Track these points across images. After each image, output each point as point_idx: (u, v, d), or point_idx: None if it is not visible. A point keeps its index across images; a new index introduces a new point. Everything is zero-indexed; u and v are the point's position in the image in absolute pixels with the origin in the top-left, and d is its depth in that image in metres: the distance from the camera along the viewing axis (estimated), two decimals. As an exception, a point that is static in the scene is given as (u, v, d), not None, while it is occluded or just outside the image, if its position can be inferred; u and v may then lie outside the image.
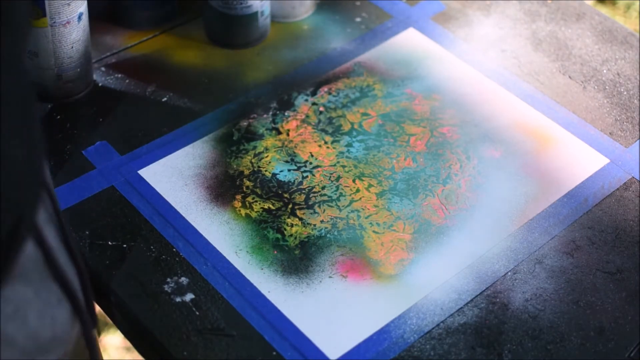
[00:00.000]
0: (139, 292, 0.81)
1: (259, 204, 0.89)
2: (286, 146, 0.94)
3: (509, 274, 0.84)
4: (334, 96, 1.00)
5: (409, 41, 1.08)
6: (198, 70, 1.03)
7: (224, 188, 0.90)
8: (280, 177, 0.91)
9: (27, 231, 0.53)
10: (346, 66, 1.04)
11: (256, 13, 1.03)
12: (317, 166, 0.93)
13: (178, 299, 0.81)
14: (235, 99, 0.99)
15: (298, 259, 0.84)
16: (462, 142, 0.96)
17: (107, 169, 0.91)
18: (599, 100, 1.01)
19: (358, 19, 1.10)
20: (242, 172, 0.91)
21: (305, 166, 0.93)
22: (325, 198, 0.90)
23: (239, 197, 0.89)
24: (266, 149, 0.94)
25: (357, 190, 0.91)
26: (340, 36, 1.08)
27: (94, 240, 0.85)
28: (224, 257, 0.84)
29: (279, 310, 0.80)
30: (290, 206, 0.89)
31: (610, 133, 0.98)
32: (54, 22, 0.91)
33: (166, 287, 0.81)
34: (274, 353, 0.77)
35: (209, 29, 1.06)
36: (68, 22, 0.92)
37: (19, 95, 0.52)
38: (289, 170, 0.92)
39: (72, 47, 0.94)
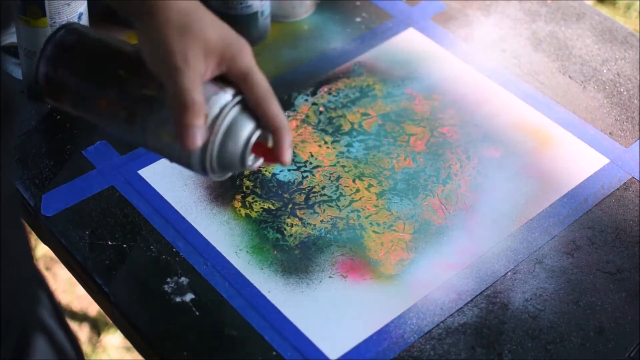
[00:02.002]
0: (138, 292, 0.81)
1: (259, 204, 0.89)
2: (286, 146, 0.94)
3: (509, 274, 0.84)
4: (334, 96, 1.00)
5: (409, 41, 1.08)
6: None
7: (224, 188, 0.90)
8: (280, 177, 0.91)
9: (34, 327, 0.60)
10: (346, 66, 1.04)
11: (256, 13, 1.03)
12: (317, 166, 0.93)
13: (178, 299, 0.81)
14: (235, 99, 0.99)
15: (298, 259, 0.84)
16: (462, 142, 0.96)
17: (107, 169, 0.91)
18: (599, 100, 1.01)
19: (358, 19, 1.10)
20: (242, 172, 0.91)
21: (305, 166, 0.93)
22: (325, 198, 0.90)
23: (239, 197, 0.89)
24: (266, 149, 0.94)
25: (357, 190, 0.91)
26: (340, 36, 1.08)
27: (94, 240, 0.85)
28: (224, 257, 0.84)
29: (279, 310, 0.80)
30: (290, 206, 0.89)
31: (610, 133, 0.98)
32: (54, 22, 0.91)
33: (166, 287, 0.81)
34: (274, 353, 0.77)
35: (209, 29, 1.06)
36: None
37: None
38: (289, 170, 0.92)
39: (72, 47, 0.94)
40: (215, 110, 0.65)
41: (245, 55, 0.66)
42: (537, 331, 0.80)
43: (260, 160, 0.68)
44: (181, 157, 0.67)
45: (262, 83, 0.66)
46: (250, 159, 0.67)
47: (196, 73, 0.64)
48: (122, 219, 0.87)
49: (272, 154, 0.67)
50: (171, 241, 0.85)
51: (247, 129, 0.66)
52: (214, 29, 0.65)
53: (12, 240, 0.56)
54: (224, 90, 0.66)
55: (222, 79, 0.67)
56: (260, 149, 0.68)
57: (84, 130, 0.95)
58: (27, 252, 0.61)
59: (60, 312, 0.65)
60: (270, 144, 0.68)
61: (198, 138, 0.64)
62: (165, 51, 0.64)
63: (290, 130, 0.67)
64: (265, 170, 0.92)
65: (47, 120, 0.95)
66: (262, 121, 0.67)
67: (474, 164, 0.94)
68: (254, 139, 0.67)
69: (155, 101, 0.66)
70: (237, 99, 0.67)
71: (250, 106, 0.66)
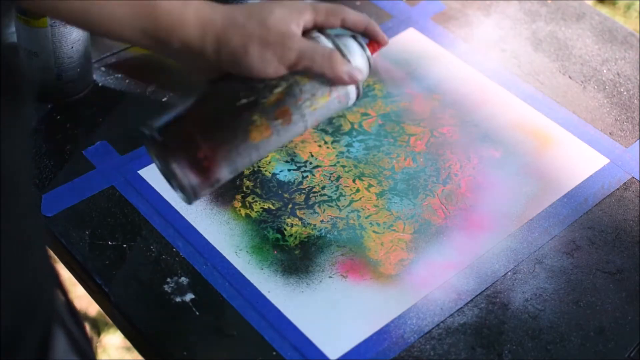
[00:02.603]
0: (138, 292, 0.81)
1: (259, 204, 0.89)
2: (286, 146, 0.94)
3: (509, 274, 0.84)
4: (334, 96, 1.00)
5: (409, 41, 1.08)
6: (198, 70, 1.03)
7: (224, 188, 0.90)
8: (280, 177, 0.91)
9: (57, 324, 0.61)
10: (346, 66, 1.04)
11: (256, 13, 1.03)
12: (317, 166, 0.93)
13: (178, 299, 0.81)
14: (235, 99, 0.99)
15: (298, 259, 0.84)
16: (462, 142, 0.96)
17: (107, 169, 0.91)
18: (599, 100, 1.01)
19: (358, 19, 1.10)
20: (242, 172, 0.91)
21: (305, 166, 0.93)
22: (325, 198, 0.90)
23: (239, 197, 0.89)
24: (266, 149, 0.94)
25: (357, 190, 0.91)
26: (340, 36, 1.08)
27: (94, 240, 0.85)
28: (224, 257, 0.84)
29: (279, 310, 0.80)
30: (290, 206, 0.89)
31: (610, 133, 0.98)
32: (54, 22, 0.91)
33: (166, 287, 0.81)
34: (274, 353, 0.77)
35: (209, 29, 1.06)
36: (68, 22, 0.92)
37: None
38: (289, 170, 0.92)
39: (72, 47, 0.94)
40: (341, 46, 0.74)
41: (311, 11, 0.73)
42: (537, 331, 0.80)
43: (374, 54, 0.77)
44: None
45: (332, 8, 0.74)
46: (372, 57, 0.76)
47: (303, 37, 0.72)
48: (122, 219, 0.87)
49: (375, 43, 0.77)
50: (171, 241, 0.85)
51: (356, 44, 0.75)
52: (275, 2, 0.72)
53: (34, 233, 0.56)
54: (315, 35, 0.73)
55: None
56: (370, 45, 0.77)
57: (84, 130, 0.95)
58: (44, 245, 0.62)
59: (71, 303, 0.66)
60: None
61: (356, 73, 0.73)
62: (285, 36, 0.70)
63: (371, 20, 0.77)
64: (265, 171, 0.92)
65: (47, 120, 0.95)
66: (354, 29, 0.75)
67: (474, 164, 0.94)
68: (365, 45, 0.76)
69: (287, 87, 0.71)
70: (326, 33, 0.74)
71: (345, 26, 0.75)
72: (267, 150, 0.72)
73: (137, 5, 0.67)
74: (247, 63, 0.69)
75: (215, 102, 0.71)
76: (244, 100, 0.70)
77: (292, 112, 0.72)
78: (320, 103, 0.73)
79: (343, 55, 0.73)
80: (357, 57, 0.75)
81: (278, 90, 0.71)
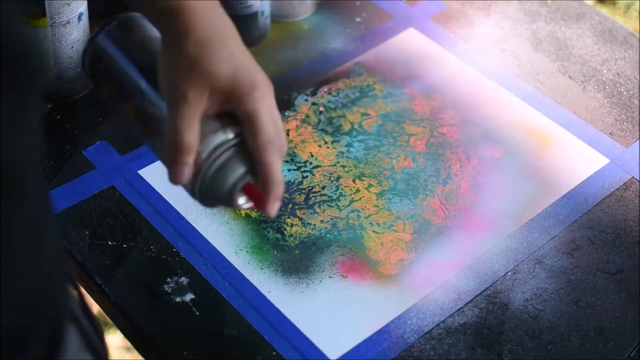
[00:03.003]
0: (138, 292, 0.81)
1: (259, 204, 0.89)
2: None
3: (509, 274, 0.84)
4: (334, 96, 1.00)
5: (409, 41, 1.08)
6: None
7: (224, 188, 0.90)
8: (280, 177, 0.91)
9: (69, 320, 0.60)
10: (346, 66, 1.04)
11: (256, 13, 1.03)
12: (317, 166, 0.93)
13: (178, 299, 0.81)
14: (235, 99, 0.99)
15: (298, 259, 0.84)
16: (462, 142, 0.96)
17: (107, 169, 0.91)
18: (599, 100, 1.01)
19: (358, 19, 1.10)
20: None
21: (305, 166, 0.93)
22: (325, 198, 0.90)
23: (239, 197, 0.89)
24: (266, 149, 0.94)
25: (357, 190, 0.91)
26: (340, 36, 1.08)
27: (94, 240, 0.85)
28: (224, 257, 0.84)
29: (279, 310, 0.80)
30: (290, 206, 0.89)
31: (610, 133, 0.98)
32: (54, 22, 0.91)
33: (166, 287, 0.81)
34: (274, 353, 0.77)
35: (209, 29, 1.06)
36: (68, 22, 0.92)
37: None
38: (289, 170, 0.92)
39: (72, 47, 0.94)
40: (209, 148, 0.65)
41: (253, 98, 0.65)
42: (537, 331, 0.80)
43: (250, 203, 0.67)
44: None
45: (264, 130, 0.65)
46: (241, 201, 0.67)
47: (194, 112, 0.64)
48: (122, 219, 0.87)
49: (261, 201, 0.66)
50: (171, 241, 0.85)
51: (236, 172, 0.66)
52: (228, 66, 0.64)
53: (45, 229, 0.56)
54: (225, 129, 0.65)
55: (234, 116, 0.66)
56: (252, 192, 0.66)
57: (84, 130, 0.95)
58: (58, 241, 0.61)
59: (83, 299, 0.66)
60: None
61: (183, 175, 0.64)
62: (171, 84, 0.64)
63: (282, 185, 0.66)
64: (265, 170, 0.92)
65: (47, 120, 0.95)
66: (256, 168, 0.65)
67: (474, 164, 0.94)
68: (240, 185, 0.66)
69: (162, 124, 0.66)
70: (236, 140, 0.66)
71: (248, 150, 0.65)
72: (128, 119, 0.71)
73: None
74: (161, 71, 0.65)
75: (137, 59, 0.71)
76: (143, 84, 0.69)
77: (148, 134, 0.69)
78: (164, 160, 0.67)
79: (206, 160, 0.65)
80: (222, 183, 0.65)
81: (156, 110, 0.67)
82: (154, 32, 0.71)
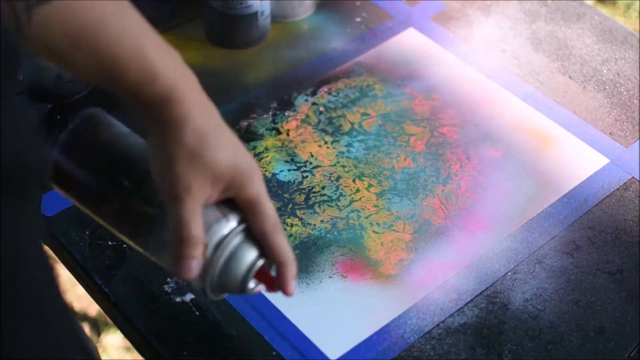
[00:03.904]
0: (138, 292, 0.81)
1: (259, 204, 0.88)
2: (286, 146, 0.94)
3: (509, 274, 0.84)
4: (334, 96, 1.00)
5: (409, 41, 1.08)
6: (198, 70, 1.02)
7: (224, 188, 0.90)
8: (280, 177, 0.91)
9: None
10: (346, 66, 1.04)
11: (256, 13, 1.03)
12: (317, 166, 0.93)
13: (178, 299, 0.81)
14: (235, 99, 0.99)
15: (298, 258, 0.84)
16: (462, 142, 0.96)
17: (107, 169, 0.91)
18: (599, 100, 1.01)
19: (358, 19, 1.10)
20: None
21: (305, 166, 0.93)
22: (325, 198, 0.90)
23: (239, 197, 0.89)
24: (266, 149, 0.94)
25: (357, 190, 0.91)
26: (340, 36, 1.08)
27: (94, 240, 0.85)
28: (224, 257, 0.84)
29: (279, 310, 0.80)
30: (290, 206, 0.89)
31: (610, 133, 0.98)
32: (54, 22, 0.91)
33: (166, 287, 0.81)
34: (274, 353, 0.77)
35: (208, 29, 1.06)
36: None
37: None
38: (289, 170, 0.92)
39: (72, 47, 0.94)
40: (215, 239, 0.63)
41: (254, 183, 0.64)
42: (537, 331, 0.80)
43: (262, 286, 0.66)
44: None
45: (269, 213, 0.64)
46: (252, 285, 0.66)
47: (198, 202, 0.62)
48: (122, 219, 0.87)
49: (275, 283, 0.66)
50: (171, 241, 0.85)
51: (247, 259, 0.65)
52: (226, 154, 0.62)
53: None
54: (227, 217, 0.64)
55: (231, 202, 0.65)
56: (263, 276, 0.66)
57: (84, 130, 0.95)
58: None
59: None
60: (274, 272, 0.66)
61: (194, 269, 0.63)
62: (172, 177, 0.62)
63: (295, 263, 0.65)
64: (265, 171, 0.92)
65: (47, 120, 0.95)
66: (267, 252, 0.65)
67: (474, 164, 0.94)
68: (254, 271, 0.65)
69: (157, 221, 0.64)
70: (241, 227, 0.64)
71: (255, 236, 0.65)
72: (105, 225, 0.68)
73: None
74: (157, 166, 0.63)
75: (115, 156, 0.67)
76: (126, 182, 0.65)
77: (140, 235, 0.66)
78: (164, 259, 0.66)
79: (215, 252, 0.63)
80: (234, 273, 0.64)
81: (147, 208, 0.65)
82: (118, 127, 0.68)
